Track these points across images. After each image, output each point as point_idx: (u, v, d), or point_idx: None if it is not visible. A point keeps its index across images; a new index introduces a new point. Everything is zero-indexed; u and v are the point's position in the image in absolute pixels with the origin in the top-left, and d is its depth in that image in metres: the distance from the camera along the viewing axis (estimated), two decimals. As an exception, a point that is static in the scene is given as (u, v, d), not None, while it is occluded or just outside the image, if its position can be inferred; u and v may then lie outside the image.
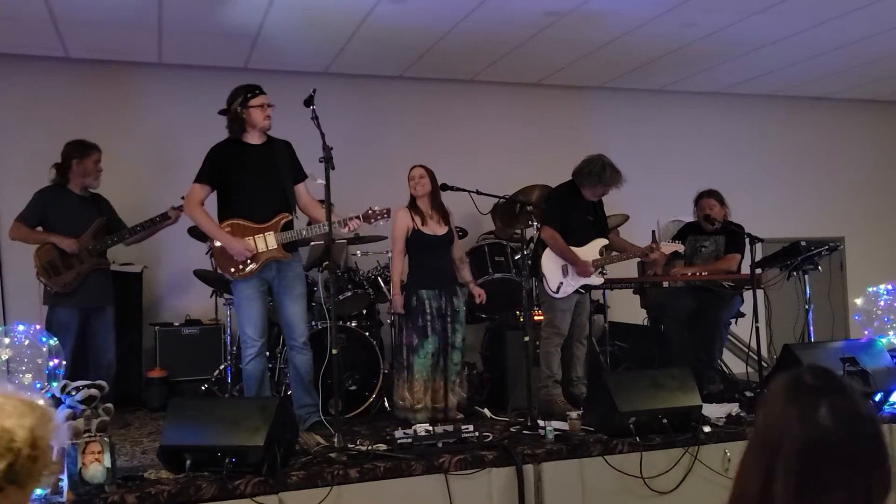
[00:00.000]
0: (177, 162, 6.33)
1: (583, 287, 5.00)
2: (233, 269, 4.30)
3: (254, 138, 4.40)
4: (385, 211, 4.32)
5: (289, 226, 4.36)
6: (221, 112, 4.42)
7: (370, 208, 4.30)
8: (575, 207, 5.01)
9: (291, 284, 4.36)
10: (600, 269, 5.07)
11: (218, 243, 4.35)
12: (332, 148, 3.95)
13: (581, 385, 5.05)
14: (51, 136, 6.05)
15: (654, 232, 5.59)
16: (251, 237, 4.30)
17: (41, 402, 1.50)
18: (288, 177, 4.40)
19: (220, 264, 4.38)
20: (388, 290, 5.41)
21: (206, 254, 5.54)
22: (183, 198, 5.09)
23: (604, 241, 5.07)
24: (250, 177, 4.32)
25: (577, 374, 5.09)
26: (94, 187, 5.05)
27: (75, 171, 4.92)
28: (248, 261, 4.28)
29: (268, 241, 4.29)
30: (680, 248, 5.21)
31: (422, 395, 4.58)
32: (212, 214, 4.45)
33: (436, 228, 4.79)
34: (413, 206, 4.76)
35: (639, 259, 6.50)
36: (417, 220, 4.73)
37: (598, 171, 4.91)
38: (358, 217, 4.26)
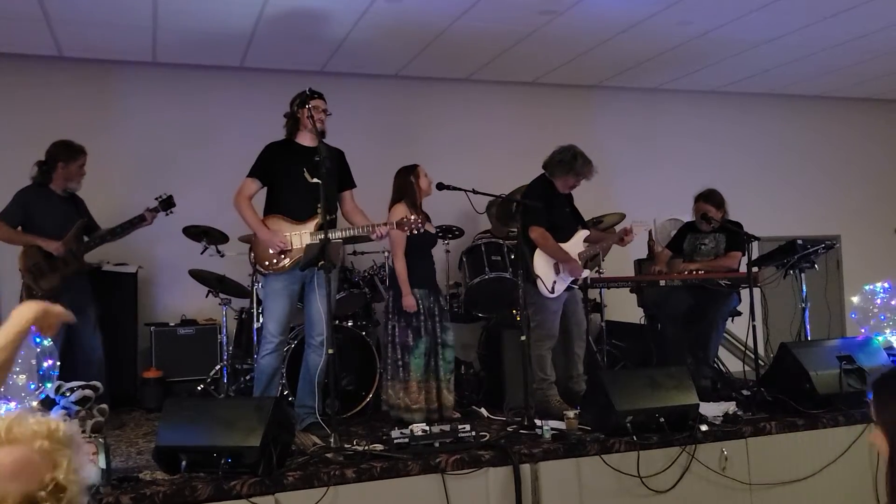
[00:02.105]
0: (172, 162, 6.31)
1: (572, 282, 4.98)
2: (267, 263, 4.37)
3: (306, 140, 4.46)
4: (420, 221, 4.33)
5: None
6: (285, 115, 4.52)
7: (405, 217, 4.33)
8: (554, 201, 4.99)
9: (322, 282, 4.37)
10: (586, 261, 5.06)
11: (257, 243, 4.42)
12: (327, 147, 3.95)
13: (582, 382, 5.01)
14: (45, 135, 6.02)
15: (650, 231, 5.60)
16: (287, 234, 4.36)
17: (62, 425, 1.46)
18: (333, 181, 4.42)
19: (256, 257, 4.47)
20: (385, 291, 5.40)
21: (202, 253, 5.53)
22: (157, 198, 5.18)
23: (585, 233, 5.07)
24: (296, 175, 4.38)
25: (578, 371, 5.06)
26: (75, 190, 5.03)
27: (59, 173, 4.91)
28: (283, 256, 4.33)
29: (303, 240, 4.34)
30: (646, 227, 5.21)
31: (417, 396, 4.58)
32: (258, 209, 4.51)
33: (429, 227, 4.79)
34: (412, 203, 4.74)
35: (636, 257, 6.52)
36: (415, 217, 4.71)
37: (570, 160, 4.89)
38: (389, 224, 4.31)
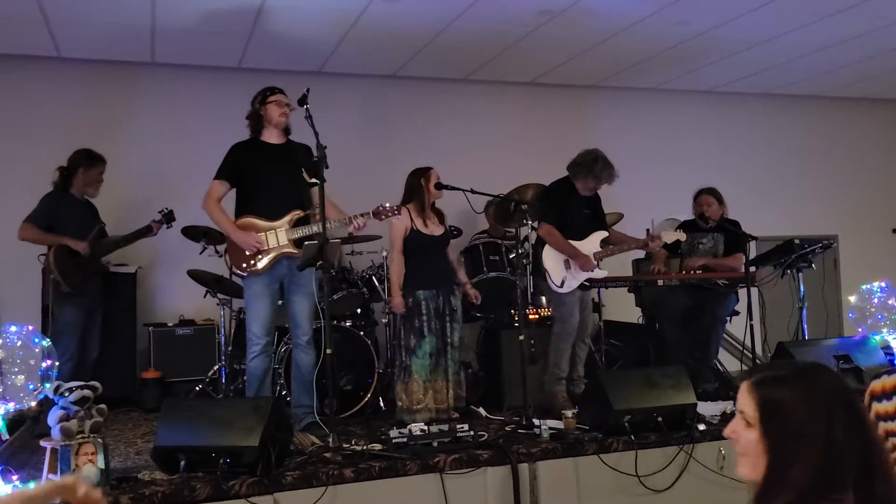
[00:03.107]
0: (171, 162, 6.31)
1: (587, 281, 4.99)
2: (244, 265, 4.33)
3: (272, 137, 4.44)
4: (396, 208, 4.33)
5: (301, 222, 4.36)
6: (248, 116, 4.49)
7: (381, 205, 4.31)
8: (570, 202, 5.01)
9: (302, 283, 4.36)
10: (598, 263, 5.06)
11: (232, 245, 4.39)
12: (325, 147, 3.95)
13: (582, 384, 5.03)
14: (41, 135, 6.04)
15: (647, 230, 5.61)
16: (262, 233, 4.33)
17: None
18: (303, 177, 4.40)
19: (232, 260, 4.43)
20: (383, 290, 5.40)
21: (200, 253, 5.54)
22: (160, 211, 5.34)
23: (603, 234, 5.07)
24: (265, 174, 4.36)
25: (578, 373, 5.07)
26: (93, 196, 5.23)
27: (79, 179, 5.11)
28: (260, 256, 4.30)
29: (279, 237, 4.31)
30: (682, 236, 5.21)
31: (421, 396, 4.57)
32: (229, 211, 4.47)
33: (434, 229, 4.78)
34: (420, 206, 4.73)
35: (633, 256, 6.53)
36: (418, 221, 4.71)
37: (590, 163, 4.92)
38: (366, 214, 4.28)
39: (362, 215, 4.25)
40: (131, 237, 5.26)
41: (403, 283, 4.74)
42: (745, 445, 1.47)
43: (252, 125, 4.46)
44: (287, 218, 4.34)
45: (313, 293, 4.40)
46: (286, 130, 4.46)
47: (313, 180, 4.01)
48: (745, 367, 5.60)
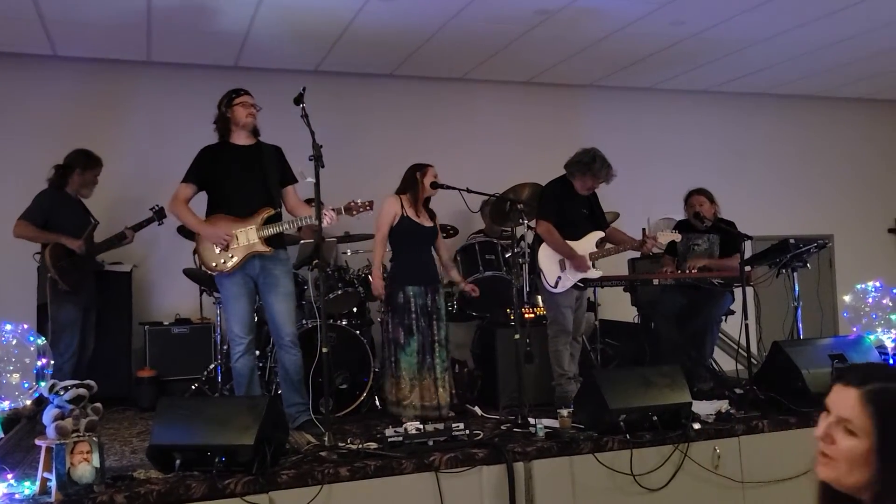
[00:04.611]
0: (166, 161, 6.30)
1: (581, 281, 4.99)
2: (214, 264, 4.28)
3: (241, 139, 4.40)
4: (368, 203, 4.31)
5: (271, 220, 4.34)
6: (215, 120, 4.46)
7: (352, 201, 4.29)
8: (568, 201, 5.02)
9: (276, 282, 4.33)
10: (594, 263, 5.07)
11: (202, 245, 4.36)
12: (321, 146, 3.95)
13: (574, 382, 5.04)
14: (36, 134, 6.03)
15: (644, 230, 5.62)
16: (233, 231, 4.29)
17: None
18: (274, 177, 4.39)
19: (202, 261, 4.38)
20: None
21: (195, 252, 5.53)
22: (151, 209, 5.34)
23: (600, 234, 5.08)
24: (234, 175, 4.33)
25: (573, 371, 5.08)
26: (86, 197, 5.26)
27: (76, 180, 5.15)
28: (231, 255, 4.26)
29: (249, 235, 4.27)
30: (677, 236, 5.22)
31: (407, 393, 4.58)
32: (200, 214, 4.44)
33: (425, 221, 4.79)
34: (413, 199, 4.73)
35: (629, 256, 6.54)
36: (410, 210, 4.71)
37: (589, 162, 4.93)
38: (336, 209, 4.26)
39: (333, 209, 4.24)
40: (114, 241, 5.28)
41: (393, 278, 4.74)
42: (843, 452, 1.43)
43: (220, 128, 4.42)
44: (257, 216, 4.30)
45: (291, 292, 4.39)
46: (255, 132, 4.43)
47: (309, 179, 3.99)
48: (739, 367, 5.60)
